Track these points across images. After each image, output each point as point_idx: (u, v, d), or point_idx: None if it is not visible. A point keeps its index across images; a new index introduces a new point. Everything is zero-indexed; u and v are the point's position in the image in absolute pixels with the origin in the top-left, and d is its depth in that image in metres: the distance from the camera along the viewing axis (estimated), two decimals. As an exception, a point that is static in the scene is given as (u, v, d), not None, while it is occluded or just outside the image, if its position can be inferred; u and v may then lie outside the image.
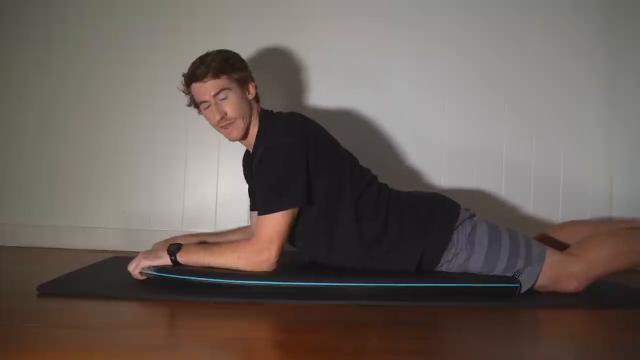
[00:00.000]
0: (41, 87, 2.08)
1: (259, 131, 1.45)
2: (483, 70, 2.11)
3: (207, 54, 1.43)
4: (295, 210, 1.35)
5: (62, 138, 2.07)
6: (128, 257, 1.72)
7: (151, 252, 1.39)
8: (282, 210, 1.31)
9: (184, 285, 1.29)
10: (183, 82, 1.46)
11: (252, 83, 1.47)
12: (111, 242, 2.03)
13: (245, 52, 2.02)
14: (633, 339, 1.05)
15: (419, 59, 2.10)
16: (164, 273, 1.32)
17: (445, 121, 2.10)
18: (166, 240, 1.56)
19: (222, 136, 1.91)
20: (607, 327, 1.16)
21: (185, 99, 1.52)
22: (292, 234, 1.41)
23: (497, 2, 2.12)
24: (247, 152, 1.65)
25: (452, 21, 2.11)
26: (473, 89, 2.11)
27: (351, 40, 2.08)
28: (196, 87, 1.40)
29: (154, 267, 1.34)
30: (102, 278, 1.45)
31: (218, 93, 1.38)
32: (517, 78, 2.12)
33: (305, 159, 1.36)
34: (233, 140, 1.47)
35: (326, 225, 1.39)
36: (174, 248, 1.34)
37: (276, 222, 1.31)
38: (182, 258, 1.33)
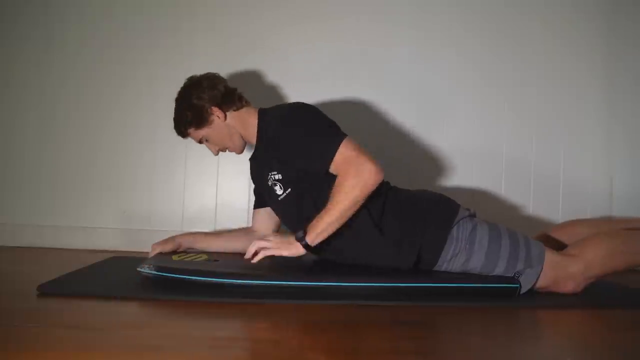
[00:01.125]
0: (41, 87, 2.08)
1: (259, 126, 1.49)
2: (483, 70, 2.11)
3: (174, 111, 1.53)
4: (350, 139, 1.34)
5: (62, 138, 2.07)
6: (128, 257, 1.73)
7: (284, 241, 1.32)
8: (341, 142, 1.31)
9: (184, 285, 1.29)
10: None
11: (213, 109, 1.49)
12: (111, 242, 2.03)
13: (245, 51, 2.03)
14: (633, 339, 1.05)
15: (419, 58, 2.10)
16: (164, 273, 1.32)
17: (445, 121, 2.10)
18: (165, 240, 1.57)
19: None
20: (606, 327, 1.16)
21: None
22: (296, 222, 1.42)
23: (497, 1, 2.12)
24: (253, 153, 1.66)
25: (452, 21, 2.11)
26: (473, 89, 2.11)
27: (351, 40, 2.08)
28: None
29: (154, 266, 1.34)
30: (102, 278, 1.45)
31: (200, 142, 1.55)
32: (517, 78, 2.12)
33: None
34: (240, 154, 1.60)
35: None
36: (300, 235, 1.30)
37: (346, 148, 1.31)
38: (311, 237, 1.29)
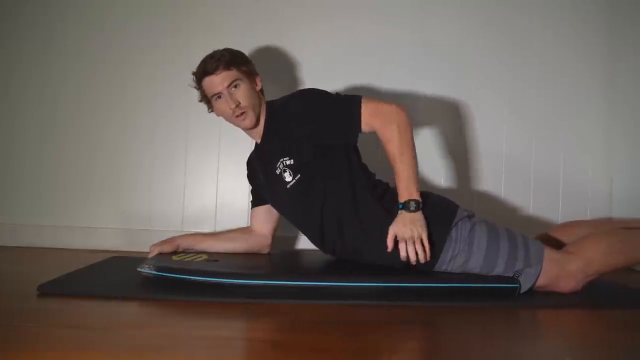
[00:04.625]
0: (41, 87, 2.07)
1: (267, 116, 1.52)
2: (483, 70, 2.11)
3: (216, 51, 1.50)
4: None
5: (62, 138, 2.07)
6: (128, 257, 1.73)
7: (409, 223, 1.30)
8: (360, 101, 1.38)
9: (184, 285, 1.29)
10: (194, 79, 1.51)
11: (258, 77, 1.55)
12: (111, 242, 2.02)
13: (245, 51, 2.03)
14: (633, 339, 1.05)
15: (419, 59, 2.10)
16: (164, 273, 1.32)
17: (446, 121, 2.10)
18: (164, 241, 1.57)
19: (222, 136, 1.92)
20: (606, 327, 1.16)
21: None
22: (302, 212, 1.47)
23: (497, 2, 2.12)
24: (252, 153, 1.66)
25: (451, 21, 2.11)
26: (473, 89, 2.11)
27: (351, 40, 2.08)
28: (208, 80, 1.46)
29: (154, 266, 1.34)
30: (102, 278, 1.45)
31: (230, 84, 1.45)
32: (516, 78, 2.12)
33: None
34: (246, 129, 1.53)
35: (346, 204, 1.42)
36: (412, 205, 1.30)
37: (366, 105, 1.38)
38: (414, 195, 1.31)
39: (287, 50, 2.07)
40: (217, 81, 1.45)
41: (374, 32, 2.09)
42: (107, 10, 2.08)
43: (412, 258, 1.29)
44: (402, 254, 1.28)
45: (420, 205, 1.31)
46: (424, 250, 1.30)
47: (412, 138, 1.35)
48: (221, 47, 1.53)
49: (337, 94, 1.45)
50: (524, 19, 2.13)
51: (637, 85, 2.10)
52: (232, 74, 1.45)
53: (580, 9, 2.13)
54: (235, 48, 1.50)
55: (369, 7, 2.09)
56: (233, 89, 1.46)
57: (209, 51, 1.51)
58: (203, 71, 1.47)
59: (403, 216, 1.31)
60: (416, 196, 1.31)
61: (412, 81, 2.09)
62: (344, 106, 1.40)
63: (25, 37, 2.08)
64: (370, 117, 1.37)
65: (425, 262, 1.38)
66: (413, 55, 2.10)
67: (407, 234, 1.28)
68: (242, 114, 1.46)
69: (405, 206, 1.31)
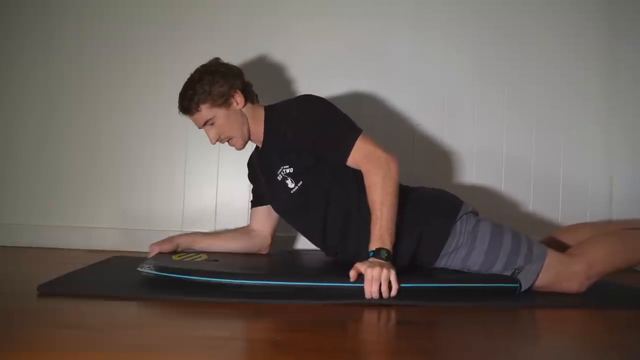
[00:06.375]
0: (41, 87, 2.08)
1: (267, 121, 1.49)
2: (482, 69, 2.11)
3: (183, 86, 1.48)
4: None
5: (62, 138, 2.07)
6: (128, 257, 1.73)
7: (378, 265, 1.22)
8: (358, 137, 1.37)
9: (184, 285, 1.29)
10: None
11: (236, 92, 1.47)
12: (111, 242, 2.02)
13: (245, 51, 2.03)
14: (633, 339, 1.05)
15: (419, 57, 2.10)
16: (164, 273, 1.32)
17: (445, 121, 2.10)
18: (164, 240, 1.57)
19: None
20: (607, 327, 1.16)
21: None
22: (306, 216, 1.47)
23: (497, 1, 2.12)
24: (253, 154, 1.66)
25: (450, 19, 2.11)
26: (472, 88, 2.11)
27: (350, 39, 2.08)
28: (189, 118, 1.50)
29: (154, 266, 1.34)
30: (102, 278, 1.45)
31: (205, 123, 1.47)
32: (516, 77, 2.12)
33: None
34: (240, 149, 1.55)
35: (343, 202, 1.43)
36: (384, 254, 1.26)
37: (363, 143, 1.36)
38: (387, 246, 1.27)
39: (285, 49, 2.07)
40: (193, 121, 1.49)
41: (372, 31, 2.09)
42: (107, 10, 2.08)
43: (375, 296, 1.21)
44: (367, 294, 1.21)
45: (391, 257, 1.27)
46: (390, 288, 1.22)
47: (396, 188, 1.32)
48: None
49: (344, 116, 1.42)
50: (523, 17, 2.13)
51: (637, 85, 2.10)
52: (202, 115, 1.45)
53: (580, 8, 2.14)
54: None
55: (366, 5, 2.09)
56: (209, 126, 1.47)
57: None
58: (180, 109, 1.49)
59: (373, 259, 1.26)
60: (389, 247, 1.28)
61: (411, 80, 2.09)
62: (341, 131, 1.39)
63: (25, 37, 2.08)
64: (360, 156, 1.36)
65: (427, 255, 1.39)
66: (412, 54, 2.10)
67: (376, 274, 1.21)
68: (228, 141, 1.50)
69: (376, 254, 1.26)
